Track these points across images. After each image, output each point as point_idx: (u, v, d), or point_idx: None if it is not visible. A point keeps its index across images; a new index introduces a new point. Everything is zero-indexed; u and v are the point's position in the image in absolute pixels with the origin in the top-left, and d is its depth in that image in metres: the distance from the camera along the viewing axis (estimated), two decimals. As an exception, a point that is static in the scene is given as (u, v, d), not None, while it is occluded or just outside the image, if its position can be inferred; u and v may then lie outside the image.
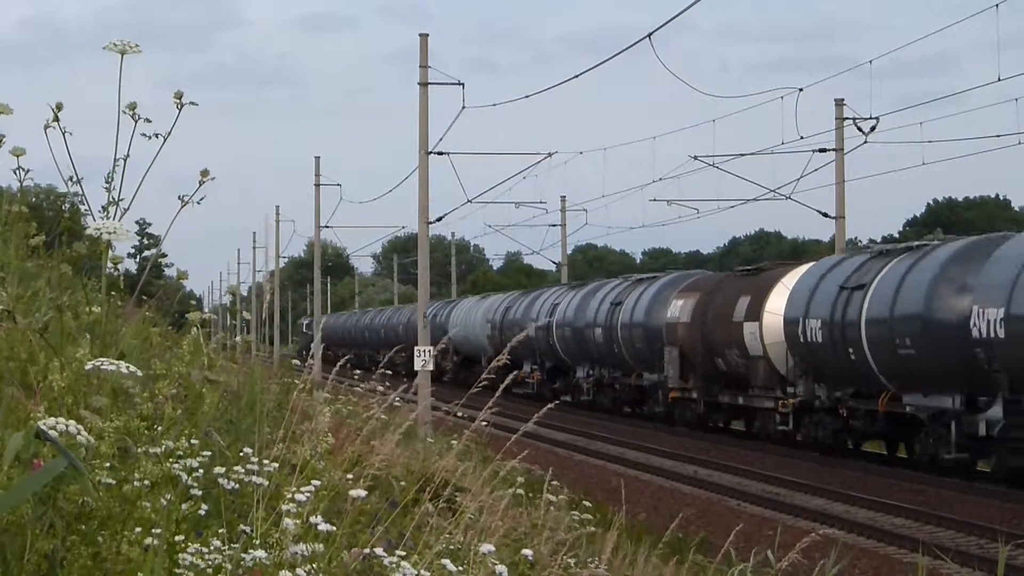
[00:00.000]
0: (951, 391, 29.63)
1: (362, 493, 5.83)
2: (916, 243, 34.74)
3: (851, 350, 33.47)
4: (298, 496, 5.37)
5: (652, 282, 49.12)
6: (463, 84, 40.72)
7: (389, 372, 12.91)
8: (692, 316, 42.76)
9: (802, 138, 42.93)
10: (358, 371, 12.05)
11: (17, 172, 6.07)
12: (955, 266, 30.15)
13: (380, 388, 10.83)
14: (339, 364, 9.86)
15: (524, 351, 54.07)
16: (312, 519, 5.29)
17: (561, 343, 52.70)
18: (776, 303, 38.15)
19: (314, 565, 5.05)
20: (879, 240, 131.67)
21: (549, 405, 9.09)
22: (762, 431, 41.04)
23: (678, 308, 43.70)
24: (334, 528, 5.37)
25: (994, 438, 27.70)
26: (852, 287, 33.69)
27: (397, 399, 9.75)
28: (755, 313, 38.87)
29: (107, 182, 5.78)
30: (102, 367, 4.75)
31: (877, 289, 32.60)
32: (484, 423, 8.95)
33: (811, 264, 39.19)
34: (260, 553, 5.00)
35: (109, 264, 5.76)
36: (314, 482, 5.64)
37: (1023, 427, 26.93)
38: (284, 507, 5.35)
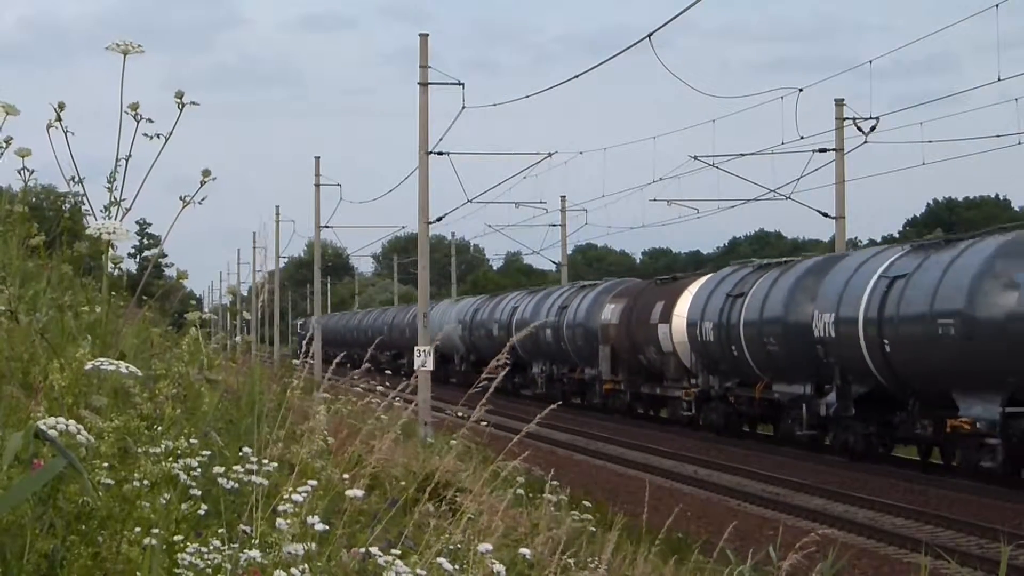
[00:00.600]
0: (803, 380, 37.19)
1: (359, 493, 5.84)
2: (786, 259, 42.02)
3: (734, 347, 40.85)
4: (295, 496, 5.37)
5: (592, 288, 55.59)
6: (463, 84, 40.75)
7: (370, 369, 12.96)
8: (620, 318, 49.02)
9: (802, 138, 42.98)
10: (357, 371, 12.03)
11: (22, 173, 6.08)
12: (807, 278, 37.62)
13: (380, 388, 10.84)
14: (334, 362, 9.88)
15: (491, 350, 58.49)
16: (309, 519, 5.30)
17: (519, 342, 56.32)
18: (682, 308, 44.98)
19: (308, 565, 5.05)
20: (879, 240, 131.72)
21: (552, 406, 9.21)
22: (672, 416, 48.05)
23: (610, 311, 49.91)
24: (328, 528, 5.37)
25: (831, 418, 35.52)
26: (735, 295, 40.90)
27: (392, 398, 9.76)
28: (667, 316, 45.86)
29: (109, 182, 5.79)
30: (102, 367, 4.75)
31: (752, 297, 39.83)
32: (485, 423, 8.95)
33: (709, 275, 46.15)
34: (254, 553, 5.00)
35: (110, 264, 5.77)
36: (311, 482, 5.64)
37: (848, 408, 34.56)
38: (281, 507, 5.35)
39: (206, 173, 5.86)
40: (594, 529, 11.40)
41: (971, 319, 29.16)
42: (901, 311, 31.58)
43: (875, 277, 33.22)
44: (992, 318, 28.73)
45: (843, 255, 38.92)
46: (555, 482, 11.26)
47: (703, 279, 45.85)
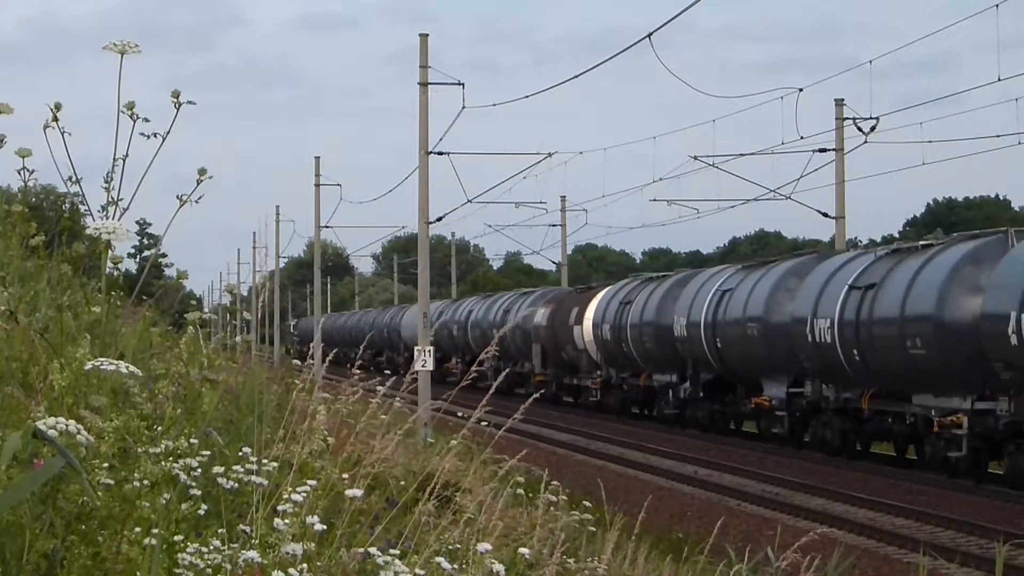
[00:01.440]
0: (670, 371, 47.54)
1: (358, 493, 5.84)
2: (663, 274, 52.24)
3: (624, 345, 50.54)
4: (295, 496, 5.38)
5: (530, 295, 66.25)
6: (463, 84, 40.77)
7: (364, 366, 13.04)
8: (548, 321, 58.81)
9: (802, 138, 43.03)
10: (358, 371, 12.04)
11: (21, 173, 6.08)
12: (674, 289, 47.99)
13: (380, 388, 10.83)
14: (326, 361, 9.99)
15: (452, 348, 71.75)
16: (308, 519, 5.30)
17: (474, 341, 67.38)
18: (591, 313, 54.48)
19: (308, 564, 5.06)
20: (879, 240, 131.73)
21: (541, 399, 9.43)
22: (584, 402, 56.82)
23: (541, 315, 59.88)
24: (328, 528, 5.37)
25: (687, 399, 46.29)
26: (625, 303, 51.00)
27: (382, 396, 9.76)
28: (580, 319, 55.45)
29: (106, 182, 5.79)
30: (102, 367, 4.76)
31: (636, 304, 49.85)
32: (485, 423, 8.96)
33: (611, 286, 55.86)
34: (252, 554, 5.00)
35: (109, 264, 5.77)
36: (310, 482, 5.64)
37: (698, 392, 45.35)
38: (280, 507, 5.35)
39: (202, 172, 5.86)
40: (594, 529, 11.41)
41: (767, 323, 39.81)
42: (727, 317, 42.38)
43: (712, 291, 43.93)
44: (781, 323, 38.94)
45: (698, 272, 50.12)
46: (555, 482, 11.25)
47: (607, 289, 55.79)
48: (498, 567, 5.43)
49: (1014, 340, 27.65)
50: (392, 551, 5.37)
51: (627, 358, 51.06)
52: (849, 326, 34.48)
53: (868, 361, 33.93)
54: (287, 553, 5.04)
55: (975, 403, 30.07)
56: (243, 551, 5.04)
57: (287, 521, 5.19)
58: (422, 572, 5.45)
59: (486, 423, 8.76)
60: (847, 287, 34.84)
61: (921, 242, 34.74)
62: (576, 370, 57.40)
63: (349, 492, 5.82)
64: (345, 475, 7.42)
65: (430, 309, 76.95)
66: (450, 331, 71.39)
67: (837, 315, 34.95)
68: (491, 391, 8.10)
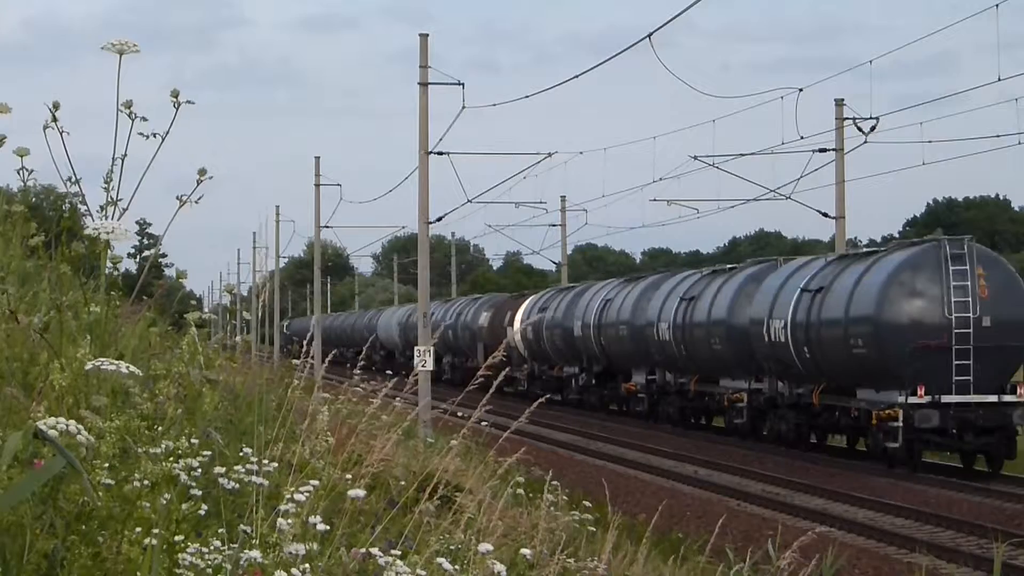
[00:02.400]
0: (573, 364, 59.62)
1: (360, 493, 5.83)
2: (573, 285, 65.62)
3: (542, 343, 61.73)
4: (297, 496, 5.37)
5: (477, 300, 77.30)
6: (463, 84, 40.75)
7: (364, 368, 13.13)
8: (489, 322, 68.99)
9: (802, 138, 43.03)
10: (357, 371, 12.05)
11: (21, 172, 6.08)
12: (576, 298, 59.69)
13: (383, 389, 10.83)
14: (326, 361, 10.03)
15: (444, 347, 79.89)
16: (311, 519, 5.29)
17: (441, 340, 77.48)
18: (519, 315, 65.16)
19: (310, 564, 5.05)
20: (879, 240, 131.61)
21: (540, 400, 9.71)
22: (515, 391, 63.35)
23: (484, 317, 70.36)
24: (329, 528, 5.37)
25: (583, 387, 58.52)
26: (542, 308, 62.25)
27: (380, 396, 9.77)
28: (512, 321, 65.55)
29: (106, 182, 5.78)
30: (102, 367, 4.75)
31: (550, 310, 61.18)
32: (485, 424, 8.96)
33: (535, 294, 68.33)
34: (255, 554, 5.00)
35: (108, 264, 5.76)
36: (312, 482, 5.63)
37: (591, 380, 57.23)
38: (282, 507, 5.35)
39: (202, 172, 5.85)
40: (594, 529, 11.40)
41: (633, 325, 51.05)
42: (608, 320, 54.23)
43: (600, 300, 55.92)
44: (645, 323, 49.86)
45: (591, 284, 62.81)
46: (555, 482, 11.25)
47: (532, 296, 67.51)
48: (499, 567, 5.42)
49: (775, 336, 38.30)
50: (394, 552, 5.36)
51: (544, 354, 63.10)
52: (800, 327, 36.83)
53: (817, 359, 36.25)
54: (289, 553, 5.04)
55: (909, 398, 32.88)
56: (245, 551, 5.03)
57: (290, 521, 5.18)
58: (423, 573, 5.44)
59: (487, 423, 8.76)
60: (799, 291, 37.16)
61: (865, 249, 38.56)
62: (511, 364, 66.71)
63: (351, 492, 5.81)
64: (348, 475, 7.41)
65: (401, 312, 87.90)
66: (415, 331, 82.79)
67: (791, 317, 37.28)
68: (489, 393, 8.10)
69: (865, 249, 38.42)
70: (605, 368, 55.70)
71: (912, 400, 32.71)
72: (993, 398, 32.97)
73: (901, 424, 32.98)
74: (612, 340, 53.45)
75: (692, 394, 46.67)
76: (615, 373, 55.19)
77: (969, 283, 33.07)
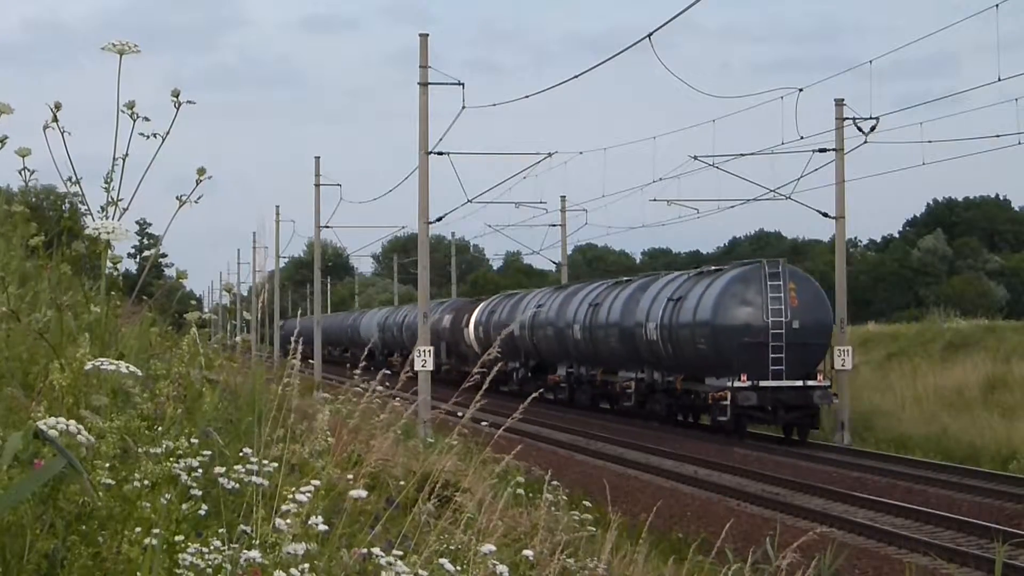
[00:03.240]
0: (515, 359, 63.92)
1: (363, 493, 5.83)
2: (515, 292, 73.91)
3: (490, 341, 60.92)
4: (299, 496, 5.37)
5: (443, 304, 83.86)
6: (463, 84, 40.76)
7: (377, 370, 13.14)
8: (449, 324, 76.28)
9: (802, 138, 43.07)
10: (357, 371, 12.04)
11: (22, 173, 6.08)
12: (519, 302, 67.52)
13: (380, 388, 10.84)
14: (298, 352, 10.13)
15: (393, 344, 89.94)
16: (311, 519, 5.29)
17: (407, 339, 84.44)
18: (474, 317, 72.74)
19: (309, 564, 5.05)
20: (879, 240, 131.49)
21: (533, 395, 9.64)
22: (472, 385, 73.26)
23: (446, 319, 77.13)
24: (329, 528, 5.37)
25: (522, 379, 64.83)
26: (490, 310, 70.10)
27: (379, 394, 9.77)
28: (468, 322, 73.28)
29: (106, 182, 5.78)
30: (102, 367, 4.75)
31: (497, 312, 69.19)
32: (485, 423, 8.96)
33: (487, 300, 75.73)
34: (254, 553, 5.00)
35: (108, 264, 5.76)
36: (314, 482, 5.64)
37: (528, 373, 63.64)
38: (284, 507, 5.35)
39: (201, 171, 5.85)
40: (594, 529, 11.40)
41: (556, 326, 59.95)
42: (538, 322, 62.51)
43: (533, 307, 64.06)
44: (565, 325, 58.79)
45: (530, 292, 70.68)
46: (555, 482, 11.25)
47: (484, 301, 74.95)
48: (502, 568, 5.42)
49: (650, 336, 48.97)
50: (395, 552, 5.36)
51: (475, 350, 69.30)
52: (666, 328, 47.06)
53: (677, 353, 46.47)
54: (289, 553, 5.04)
55: (735, 382, 42.35)
56: (244, 551, 5.03)
57: (288, 521, 5.18)
58: (424, 573, 5.44)
59: (486, 423, 8.76)
60: (666, 300, 47.55)
61: (714, 267, 48.36)
62: (467, 360, 71.58)
63: (353, 492, 5.81)
64: (350, 476, 7.42)
65: (380, 315, 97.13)
66: (391, 331, 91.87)
67: (659, 320, 47.61)
68: (481, 390, 8.10)
69: (713, 268, 48.45)
70: (538, 363, 64.62)
71: (737, 384, 42.21)
72: (799, 383, 42.32)
73: (729, 403, 42.54)
74: (541, 339, 63.49)
75: (599, 381, 56.41)
76: (546, 367, 63.74)
77: (783, 295, 42.75)
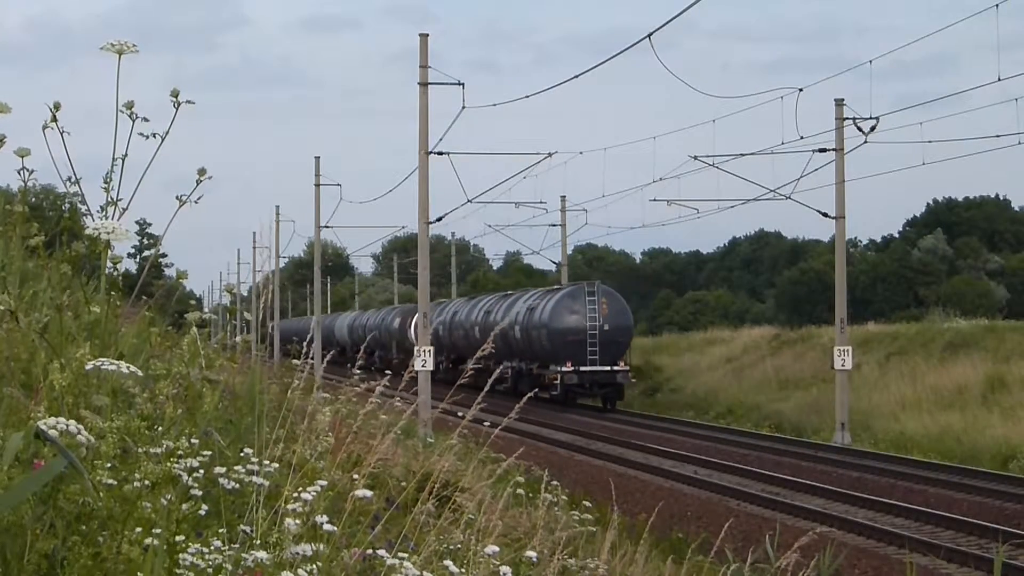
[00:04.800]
0: (440, 355, 69.11)
1: (368, 494, 5.82)
2: (443, 301, 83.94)
3: (397, 341, 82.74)
4: (304, 495, 5.37)
5: (394, 310, 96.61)
6: (463, 84, 40.77)
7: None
8: (399, 325, 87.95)
9: (802, 138, 43.08)
10: (358, 371, 12.05)
11: (21, 173, 6.07)
12: (442, 307, 78.01)
13: (380, 388, 10.83)
14: (326, 360, 10.08)
15: (361, 342, 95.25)
16: (316, 519, 5.29)
17: (372, 337, 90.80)
18: (415, 320, 75.85)
19: (316, 565, 5.05)
20: (879, 240, 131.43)
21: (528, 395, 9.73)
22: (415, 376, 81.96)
23: (396, 322, 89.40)
24: (334, 528, 5.37)
25: (444, 369, 71.58)
26: (406, 316, 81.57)
27: (378, 395, 9.78)
28: (411, 325, 76.95)
29: (105, 182, 5.78)
30: (102, 367, 4.75)
31: (431, 315, 77.30)
32: (486, 424, 8.96)
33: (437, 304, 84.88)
34: (262, 554, 5.00)
35: (108, 264, 5.76)
36: (320, 482, 5.63)
37: (448, 365, 71.68)
38: (290, 506, 5.35)
39: (201, 172, 5.85)
40: (593, 529, 11.40)
41: (463, 327, 71.58)
42: (455, 323, 73.94)
43: (450, 313, 76.21)
44: (471, 325, 71.39)
45: (456, 300, 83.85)
46: (555, 482, 11.26)
47: (440, 303, 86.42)
48: (505, 569, 5.42)
49: (518, 335, 64.11)
50: (401, 554, 5.36)
51: (404, 348, 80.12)
52: (524, 329, 63.37)
53: (532, 347, 62.61)
54: (295, 553, 5.04)
55: (563, 368, 59.11)
56: (252, 551, 5.03)
57: (297, 521, 5.18)
58: (428, 574, 5.43)
59: (487, 424, 8.76)
60: (524, 309, 64.20)
61: (556, 286, 66.90)
62: (409, 355, 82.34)
63: (358, 492, 5.80)
64: (355, 476, 7.41)
65: (351, 317, 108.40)
66: (359, 331, 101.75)
67: (522, 322, 63.53)
68: (484, 392, 8.09)
69: (555, 287, 66.65)
70: (456, 359, 73.17)
71: (564, 369, 58.87)
72: (608, 368, 58.85)
73: (559, 382, 59.54)
74: (458, 338, 73.73)
75: (536, 375, 67.20)
76: (465, 358, 69.03)
77: (597, 307, 59.40)
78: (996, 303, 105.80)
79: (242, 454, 5.93)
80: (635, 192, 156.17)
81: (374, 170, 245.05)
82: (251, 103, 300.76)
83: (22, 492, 3.90)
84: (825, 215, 46.23)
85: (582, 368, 58.53)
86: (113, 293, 5.96)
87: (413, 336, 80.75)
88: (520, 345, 63.53)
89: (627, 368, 59.42)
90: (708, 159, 46.94)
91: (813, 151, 44.78)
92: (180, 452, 5.27)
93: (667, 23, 43.04)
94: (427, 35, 41.53)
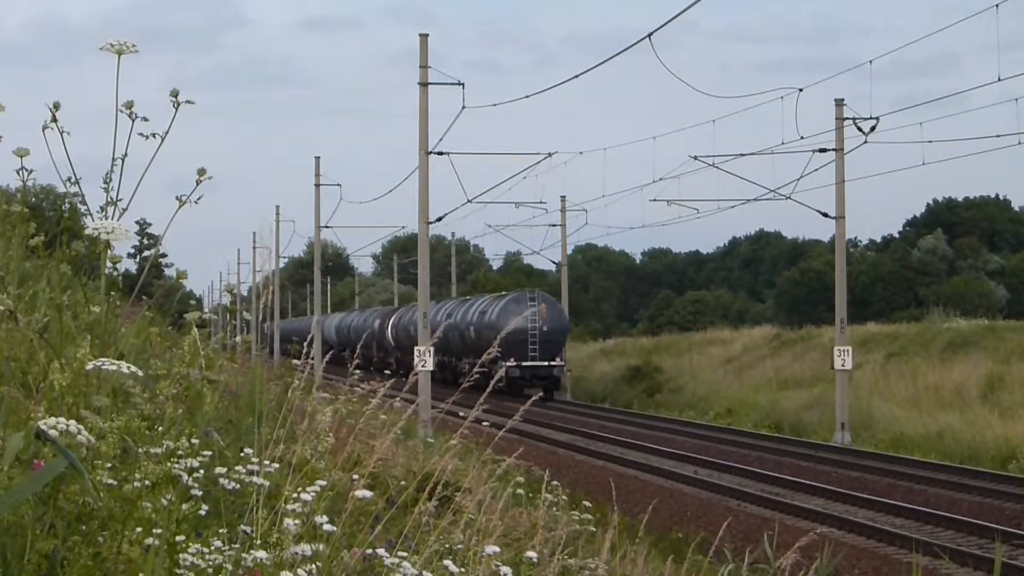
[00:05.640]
0: (399, 353, 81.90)
1: (368, 494, 5.82)
2: (414, 304, 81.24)
3: (399, 338, 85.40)
4: (304, 496, 5.37)
5: (377, 310, 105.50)
6: (463, 84, 40.77)
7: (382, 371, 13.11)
8: (377, 326, 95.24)
9: (802, 138, 43.07)
10: (358, 371, 12.07)
11: (20, 172, 6.07)
12: (394, 312, 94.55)
13: (381, 388, 10.83)
14: (326, 360, 10.09)
15: (346, 341, 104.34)
16: (316, 519, 5.29)
17: (356, 337, 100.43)
18: (391, 322, 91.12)
19: (316, 565, 5.05)
20: (879, 240, 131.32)
21: (534, 400, 9.70)
22: (392, 373, 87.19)
23: (376, 323, 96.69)
24: (334, 529, 5.37)
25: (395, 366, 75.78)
26: (400, 316, 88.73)
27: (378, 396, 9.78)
28: (388, 326, 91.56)
29: (105, 182, 5.77)
30: (103, 367, 4.75)
31: (394, 319, 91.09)
32: (487, 424, 8.96)
33: (401, 308, 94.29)
34: (261, 554, 5.00)
35: (108, 264, 5.76)
36: (319, 482, 5.63)
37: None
38: (289, 506, 5.35)
39: (201, 172, 5.84)
40: (593, 529, 11.40)
41: (440, 327, 71.79)
42: (400, 325, 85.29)
43: (402, 316, 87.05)
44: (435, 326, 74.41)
45: (412, 306, 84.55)
46: (555, 482, 11.25)
47: (400, 309, 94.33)
48: (505, 569, 5.42)
49: (472, 334, 72.66)
50: (401, 554, 5.36)
51: (400, 345, 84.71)
52: (476, 329, 70.83)
53: (479, 345, 66.86)
54: (295, 553, 5.03)
55: (508, 362, 63.24)
56: (252, 551, 5.03)
57: (296, 522, 5.18)
58: (428, 574, 5.43)
59: (487, 424, 8.76)
60: (477, 312, 72.73)
61: (504, 292, 77.35)
62: (388, 352, 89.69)
63: (358, 493, 5.80)
64: (356, 476, 7.41)
65: (339, 318, 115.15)
66: (344, 332, 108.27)
67: (474, 323, 71.76)
68: (486, 392, 8.08)
69: (503, 293, 76.23)
70: (456, 355, 79.43)
71: (509, 364, 63.68)
72: (545, 363, 67.74)
73: (504, 375, 57.80)
74: (404, 339, 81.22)
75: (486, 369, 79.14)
76: (459, 356, 77.90)
77: (537, 310, 67.83)
78: (996, 303, 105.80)
79: (242, 454, 5.93)
80: (635, 192, 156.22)
81: (374, 170, 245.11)
82: (251, 103, 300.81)
83: (23, 492, 3.89)
84: (825, 215, 46.23)
85: (524, 363, 67.33)
86: (113, 293, 5.96)
87: (389, 336, 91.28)
88: (474, 343, 70.44)
89: (563, 363, 69.34)
90: (708, 159, 47.00)
91: (813, 151, 44.80)
92: (180, 452, 5.26)
93: (667, 23, 43.07)
94: (427, 35, 41.57)
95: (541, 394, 65.52)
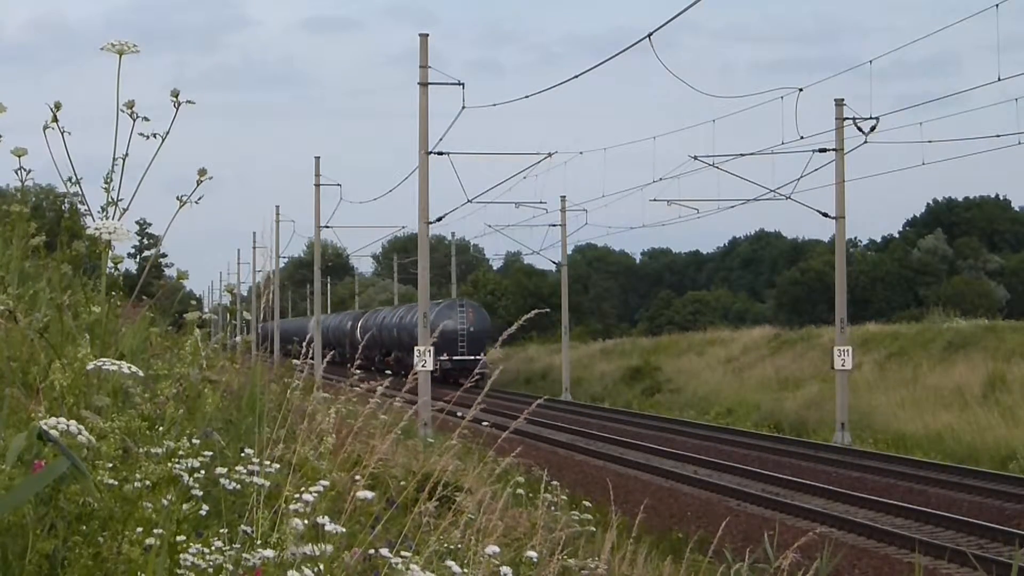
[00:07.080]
0: (375, 351, 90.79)
1: (369, 495, 5.82)
2: (380, 309, 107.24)
3: (367, 337, 78.23)
4: (306, 496, 5.37)
5: (350, 314, 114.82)
6: (463, 84, 40.77)
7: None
8: (349, 326, 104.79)
9: (802, 138, 43.05)
10: (358, 371, 12.06)
11: (19, 172, 6.07)
12: (359, 316, 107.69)
13: (380, 388, 10.83)
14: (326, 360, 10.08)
15: (335, 342, 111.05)
16: (319, 519, 5.29)
17: (334, 337, 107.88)
18: (360, 323, 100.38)
19: (320, 566, 5.05)
20: (879, 240, 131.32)
21: (540, 402, 9.71)
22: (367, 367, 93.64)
23: (348, 324, 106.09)
24: (341, 529, 5.37)
25: (380, 359, 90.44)
26: (367, 319, 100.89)
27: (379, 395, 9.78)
28: (357, 327, 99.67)
29: (106, 182, 5.78)
30: (103, 367, 4.75)
31: (361, 320, 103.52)
32: (487, 424, 8.96)
33: (368, 312, 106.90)
34: (268, 552, 5.00)
35: (109, 264, 5.76)
36: (322, 482, 5.63)
37: (385, 357, 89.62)
38: (292, 507, 5.35)
39: (202, 172, 5.85)
40: (593, 529, 11.40)
41: (385, 328, 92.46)
42: (384, 325, 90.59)
43: (380, 318, 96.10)
44: (386, 327, 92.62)
45: (385, 308, 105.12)
46: (555, 482, 11.26)
47: (368, 313, 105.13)
48: (506, 570, 5.41)
49: (400, 335, 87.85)
50: (404, 553, 5.36)
51: (370, 343, 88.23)
52: (402, 330, 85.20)
53: (401, 342, 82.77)
54: (295, 554, 5.03)
55: (442, 357, 76.20)
56: (257, 550, 5.03)
57: (303, 522, 5.18)
58: (431, 574, 5.43)
59: (487, 424, 8.76)
60: (398, 317, 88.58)
61: (438, 300, 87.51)
62: (356, 349, 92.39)
63: (360, 494, 5.80)
64: (357, 476, 7.41)
65: (324, 320, 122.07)
66: (330, 332, 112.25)
67: (397, 325, 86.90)
68: (484, 392, 8.08)
69: (439, 300, 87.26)
70: (386, 350, 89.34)
71: (443, 358, 76.93)
72: (472, 357, 78.74)
73: (439, 368, 72.55)
74: (386, 337, 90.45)
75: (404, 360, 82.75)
76: (391, 351, 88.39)
77: (465, 315, 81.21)
78: (996, 303, 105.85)
79: (243, 454, 5.93)
80: (635, 192, 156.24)
81: (374, 170, 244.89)
82: (252, 103, 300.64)
83: (24, 493, 3.90)
84: (825, 215, 46.23)
85: (454, 357, 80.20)
86: (113, 293, 5.96)
87: (359, 336, 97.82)
88: (415, 341, 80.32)
89: (483, 358, 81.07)
90: (708, 159, 47.00)
91: (813, 151, 44.80)
92: (181, 452, 5.27)
93: (667, 23, 43.09)
94: (427, 35, 41.57)
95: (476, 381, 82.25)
